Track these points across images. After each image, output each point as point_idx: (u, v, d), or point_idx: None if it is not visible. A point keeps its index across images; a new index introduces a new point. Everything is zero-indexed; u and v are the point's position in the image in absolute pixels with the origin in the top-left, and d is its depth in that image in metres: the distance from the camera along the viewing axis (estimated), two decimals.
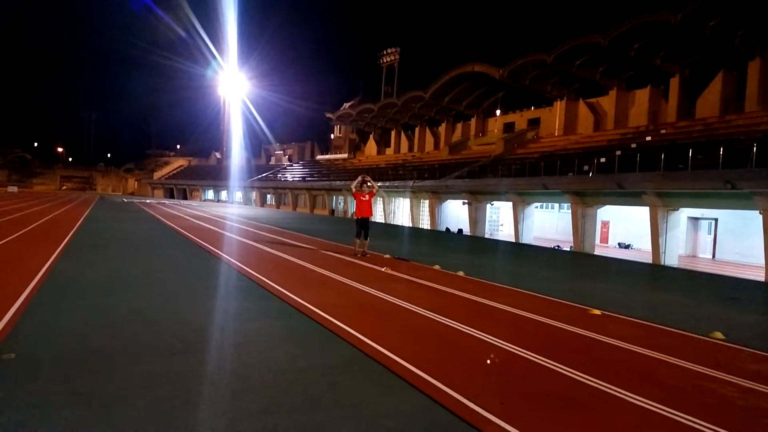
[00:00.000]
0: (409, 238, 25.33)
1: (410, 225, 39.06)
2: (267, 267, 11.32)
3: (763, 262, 17.48)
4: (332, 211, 52.35)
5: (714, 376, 5.23)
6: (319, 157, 73.44)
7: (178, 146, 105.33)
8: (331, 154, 70.43)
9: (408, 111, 52.18)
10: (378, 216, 44.91)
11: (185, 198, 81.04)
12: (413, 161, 48.85)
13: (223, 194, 77.29)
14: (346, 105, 64.41)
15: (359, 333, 5.97)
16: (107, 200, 54.96)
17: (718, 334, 6.95)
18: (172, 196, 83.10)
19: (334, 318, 6.63)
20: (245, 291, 8.45)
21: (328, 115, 66.04)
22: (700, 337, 6.91)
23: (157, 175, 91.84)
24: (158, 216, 29.97)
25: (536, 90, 39.12)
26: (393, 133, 58.96)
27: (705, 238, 25.69)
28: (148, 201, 59.65)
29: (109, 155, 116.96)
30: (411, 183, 38.64)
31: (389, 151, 59.43)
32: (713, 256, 24.61)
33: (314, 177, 60.26)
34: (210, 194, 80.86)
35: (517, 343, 5.93)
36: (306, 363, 4.97)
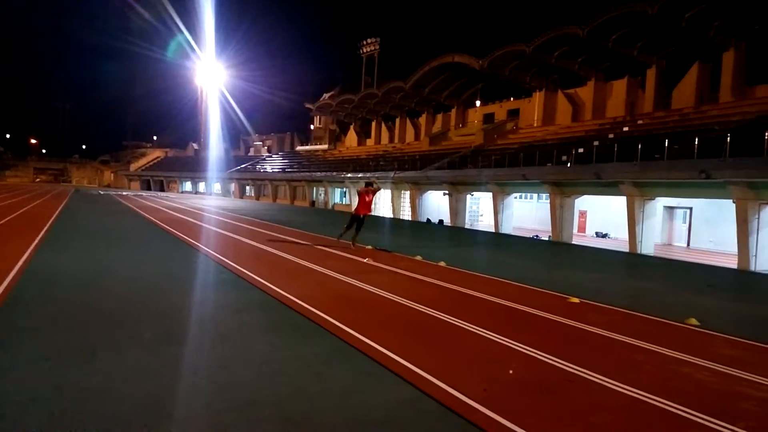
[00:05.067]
0: (391, 229, 25.39)
1: (391, 216, 39.12)
2: (248, 259, 11.27)
3: (735, 250, 17.92)
4: (313, 203, 52.16)
5: (689, 361, 5.38)
6: (299, 148, 72.92)
7: (155, 137, 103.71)
8: (311, 145, 69.98)
9: (388, 102, 52.06)
10: None
11: (162, 190, 79.93)
12: (394, 152, 48.83)
13: (201, 186, 76.42)
14: (326, 95, 63.98)
15: (343, 324, 6.00)
16: (82, 193, 53.98)
17: (694, 321, 7.13)
18: (149, 188, 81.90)
19: (316, 309, 6.64)
20: (226, 283, 8.41)
21: (308, 105, 65.56)
22: (676, 323, 7.09)
23: (133, 166, 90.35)
24: (135, 208, 29.55)
25: (516, 81, 39.30)
26: (373, 123, 58.80)
27: (680, 227, 26.18)
28: (124, 193, 58.74)
29: (84, 147, 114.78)
30: (392, 174, 38.64)
31: (370, 142, 59.29)
32: (688, 244, 25.10)
33: (294, 168, 59.91)
34: (188, 186, 79.87)
35: (499, 332, 6.02)
36: (289, 354, 4.99)
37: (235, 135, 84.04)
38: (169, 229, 17.33)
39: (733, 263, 17.56)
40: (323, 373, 4.51)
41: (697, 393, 4.47)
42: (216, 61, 74.56)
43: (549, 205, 25.95)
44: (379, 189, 15.17)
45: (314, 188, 52.44)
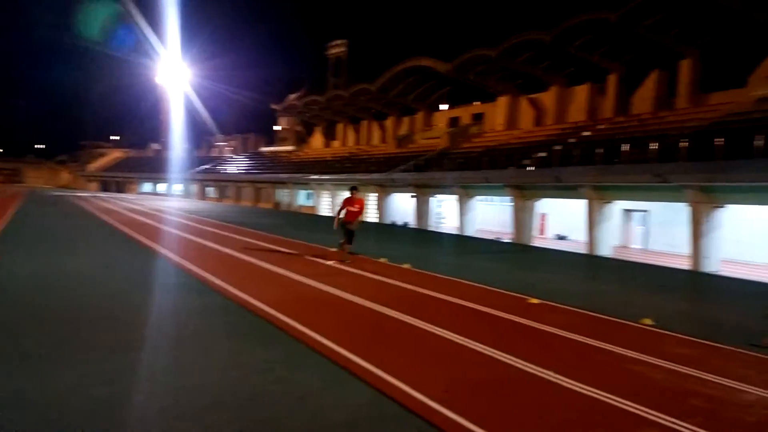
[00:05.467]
0: (356, 231, 25.32)
1: None
2: (208, 262, 11.09)
3: (689, 251, 18.57)
4: (277, 205, 51.68)
5: (643, 360, 5.55)
6: (263, 149, 72.11)
7: (115, 137, 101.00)
8: (276, 146, 69.33)
9: (355, 104, 52.05)
10: (325, 209, 44.70)
11: (120, 191, 77.91)
12: (360, 154, 48.82)
13: (162, 187, 74.80)
14: (292, 96, 63.48)
15: (304, 327, 5.97)
16: (38, 194, 52.14)
17: (648, 321, 7.35)
18: (106, 190, 79.71)
19: (278, 313, 6.59)
20: (186, 287, 8.26)
21: (274, 106, 64.94)
22: (632, 323, 7.29)
23: (91, 167, 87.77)
24: (93, 210, 28.72)
25: (481, 85, 39.82)
26: (340, 125, 58.66)
27: (637, 229, 26.97)
28: (82, 194, 57.02)
29: (40, 147, 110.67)
30: (358, 176, 38.64)
31: (336, 143, 59.11)
32: (644, 246, 25.87)
33: (258, 169, 59.23)
34: (147, 187, 78.07)
35: (461, 333, 6.09)
36: (249, 358, 4.93)
37: (197, 135, 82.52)
38: (127, 232, 16.91)
39: (686, 264, 18.18)
40: (283, 377, 4.48)
41: (650, 391, 4.61)
42: (179, 60, 73.09)
43: (511, 208, 26.38)
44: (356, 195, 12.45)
45: (279, 190, 51.97)
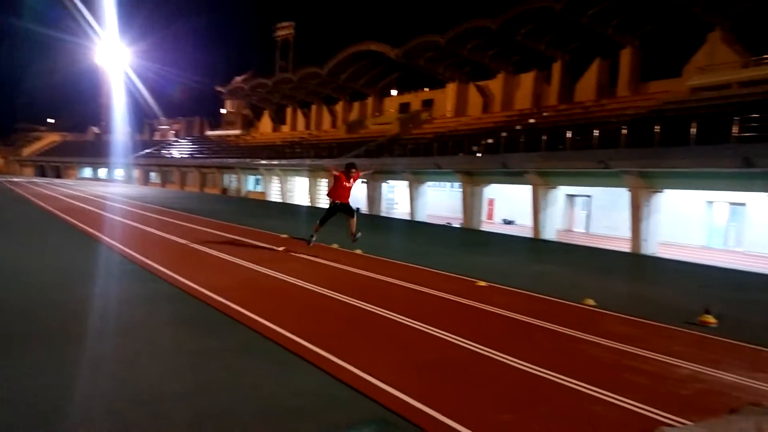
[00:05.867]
0: (308, 217, 25.13)
1: (309, 204, 38.76)
2: (154, 250, 10.75)
3: (629, 234, 19.41)
4: (224, 190, 50.58)
5: (585, 338, 5.78)
6: (209, 132, 70.15)
7: (51, 120, 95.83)
8: (223, 130, 67.59)
9: (304, 87, 51.33)
10: (275, 195, 44.06)
11: (58, 176, 74.28)
12: (310, 139, 48.31)
13: (102, 172, 71.76)
14: (239, 79, 61.89)
15: (255, 314, 5.89)
16: None
17: (590, 301, 7.64)
18: (43, 175, 75.80)
19: (228, 300, 6.47)
20: (130, 275, 7.99)
21: (219, 89, 63.16)
22: (575, 304, 7.57)
23: (26, 151, 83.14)
24: (29, 196, 27.28)
25: (430, 71, 40.04)
26: (289, 109, 57.77)
27: (580, 214, 27.95)
28: (16, 180, 54.03)
29: None
30: (308, 161, 38.25)
31: (285, 128, 58.22)
32: (587, 230, 26.86)
33: (204, 154, 57.70)
34: (87, 172, 74.74)
35: (411, 316, 6.16)
36: (198, 347, 4.83)
37: (139, 118, 79.30)
38: (66, 219, 16.16)
39: (626, 247, 18.99)
40: (233, 365, 4.41)
41: (591, 368, 4.81)
42: (118, 41, 69.86)
43: (460, 193, 26.79)
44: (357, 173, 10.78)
45: (226, 175, 50.85)
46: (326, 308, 6.52)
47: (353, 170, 10.67)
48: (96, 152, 70.84)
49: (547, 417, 3.68)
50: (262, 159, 44.36)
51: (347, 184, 10.60)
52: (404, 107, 45.21)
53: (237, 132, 64.23)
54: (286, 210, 29.35)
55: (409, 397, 3.85)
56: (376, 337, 5.42)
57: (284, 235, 13.97)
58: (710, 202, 22.20)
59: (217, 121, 72.06)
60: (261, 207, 30.41)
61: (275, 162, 42.72)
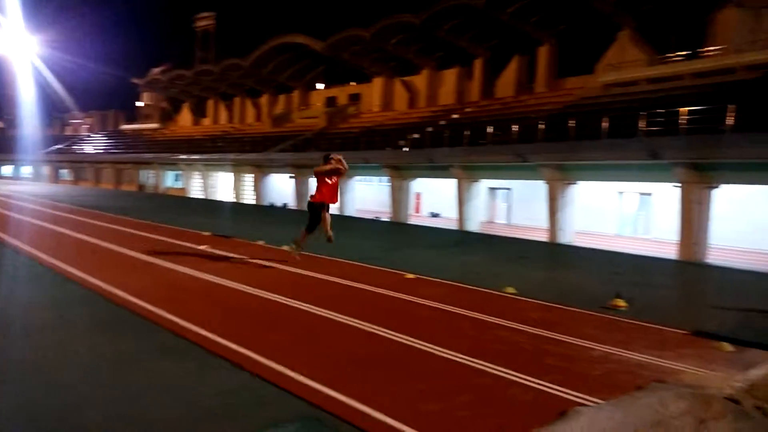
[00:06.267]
0: (232, 213, 24.52)
1: (233, 200, 37.77)
2: (65, 251, 10.11)
3: (547, 224, 20.34)
4: (141, 187, 48.33)
5: (507, 325, 5.99)
6: (124, 126, 66.71)
7: None
8: (140, 123, 64.44)
9: (226, 80, 49.85)
10: (196, 191, 42.57)
11: None
12: (234, 133, 47.04)
13: (7, 169, 66.56)
14: (156, 70, 59.22)
15: (174, 316, 5.66)
16: None
17: (511, 289, 7.93)
18: None
19: (144, 302, 6.18)
20: (39, 278, 7.47)
21: (135, 80, 60.15)
22: (497, 292, 7.83)
23: None
24: None
25: (356, 65, 40.04)
26: (210, 102, 55.93)
27: (501, 206, 28.98)
28: None
29: None
30: (232, 156, 37.24)
31: (206, 121, 56.34)
32: (508, 221, 27.88)
33: (119, 149, 54.87)
34: None
35: (341, 311, 6.14)
36: (114, 351, 4.59)
37: (49, 112, 74.14)
38: None
39: (545, 237, 19.88)
40: (152, 369, 4.23)
41: (512, 353, 4.99)
42: (24, 28, 64.72)
43: (388, 187, 27.03)
44: (339, 168, 9.32)
45: (143, 171, 48.60)
46: (250, 307, 6.38)
47: (331, 160, 9.23)
48: (0, 148, 65.55)
49: (471, 403, 3.78)
50: (182, 154, 42.73)
51: (331, 181, 9.25)
52: (331, 101, 44.98)
53: (155, 126, 61.45)
54: (209, 206, 28.45)
55: (337, 392, 3.83)
56: (302, 333, 5.37)
57: (207, 233, 13.53)
58: (621, 193, 23.65)
59: (134, 115, 68.57)
60: (181, 204, 29.30)
61: (196, 157, 41.28)
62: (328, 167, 9.22)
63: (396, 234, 18.69)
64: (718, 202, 16.55)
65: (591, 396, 3.97)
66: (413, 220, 26.21)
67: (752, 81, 19.10)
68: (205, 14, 61.16)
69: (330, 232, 9.28)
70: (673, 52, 24.48)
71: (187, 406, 3.56)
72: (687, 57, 23.53)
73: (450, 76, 35.84)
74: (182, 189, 43.63)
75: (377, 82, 39.94)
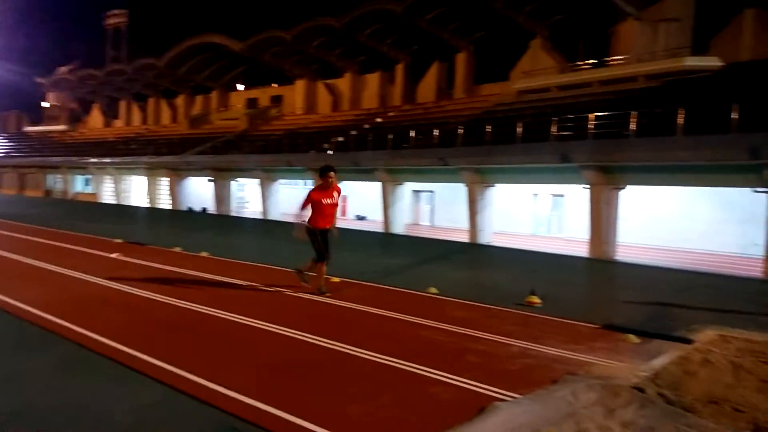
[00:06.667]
0: (146, 219, 23.43)
1: (147, 205, 36.07)
2: None
3: (468, 226, 20.95)
4: (48, 192, 45.17)
5: (429, 325, 6.09)
6: (28, 128, 62.07)
7: None
8: (45, 125, 60.18)
9: (140, 80, 47.60)
10: (108, 196, 40.30)
11: None
12: (148, 135, 44.95)
13: None
14: (64, 69, 55.53)
15: (84, 329, 5.32)
16: None
17: (433, 289, 8.08)
18: None
19: (52, 315, 5.77)
20: None
21: (40, 80, 56.12)
22: (420, 293, 7.95)
23: None
24: None
25: (278, 67, 39.49)
26: (123, 103, 53.18)
27: (425, 208, 29.52)
28: None
29: None
30: (146, 159, 35.58)
31: (119, 123, 53.51)
32: (432, 223, 28.45)
33: (23, 152, 51.01)
34: None
35: (259, 317, 6.01)
36: (14, 368, 4.25)
37: None
38: None
39: (465, 238, 20.45)
40: (58, 385, 3.95)
41: (433, 352, 5.08)
42: None
43: None
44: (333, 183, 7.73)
45: (50, 175, 45.45)
46: (163, 317, 6.11)
47: (329, 177, 7.55)
48: None
49: (393, 404, 3.82)
50: (93, 157, 40.34)
51: (326, 201, 7.61)
52: (252, 103, 44.06)
53: (62, 127, 57.58)
54: (122, 212, 27.04)
55: (257, 401, 3.75)
56: (219, 342, 5.21)
57: (118, 240, 12.84)
58: (536, 194, 24.73)
59: (38, 116, 63.85)
60: (92, 210, 27.64)
61: (107, 160, 39.12)
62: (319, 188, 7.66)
63: None
64: (625, 203, 17.68)
65: (509, 391, 4.11)
66: (340, 224, 26.07)
67: (653, 89, 20.58)
68: (117, 11, 58.09)
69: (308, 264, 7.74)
70: (582, 61, 25.93)
71: (95, 425, 3.35)
72: (595, 65, 25.00)
73: (373, 80, 36.10)
74: (93, 194, 41.13)
75: (300, 84, 39.57)
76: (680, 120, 15.73)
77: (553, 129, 18.74)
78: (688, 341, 5.57)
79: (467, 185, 20.72)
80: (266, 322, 5.87)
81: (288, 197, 33.16)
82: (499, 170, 20.06)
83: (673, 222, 19.86)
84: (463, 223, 21.60)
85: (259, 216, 28.72)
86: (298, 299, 7.25)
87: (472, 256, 15.35)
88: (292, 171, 27.85)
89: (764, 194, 14.53)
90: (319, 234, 7.61)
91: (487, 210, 20.67)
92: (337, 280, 8.65)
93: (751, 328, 6.16)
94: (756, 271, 14.14)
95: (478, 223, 20.45)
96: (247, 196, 36.66)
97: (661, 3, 22.55)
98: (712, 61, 20.65)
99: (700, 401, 4.07)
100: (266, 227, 22.16)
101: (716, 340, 5.71)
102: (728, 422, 3.73)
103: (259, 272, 9.27)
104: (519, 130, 19.53)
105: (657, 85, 20.78)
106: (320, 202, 7.54)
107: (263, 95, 43.78)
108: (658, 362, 4.90)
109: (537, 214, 25.06)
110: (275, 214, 28.33)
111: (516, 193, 23.96)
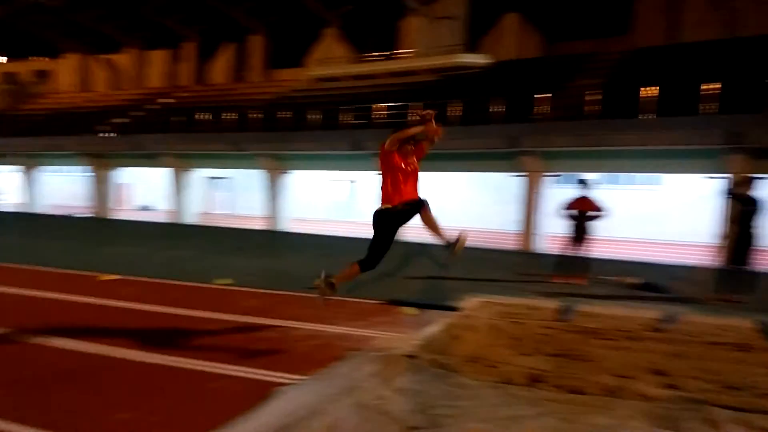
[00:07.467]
0: None
1: None
2: None
3: (266, 213, 20.72)
4: None
5: (218, 318, 5.87)
6: None
7: None
8: None
9: None
10: None
11: None
12: None
13: None
14: None
15: None
16: None
17: (225, 280, 7.82)
18: None
19: None
20: None
21: None
22: (211, 285, 7.62)
23: None
24: None
25: (44, 38, 34.34)
26: None
27: (221, 196, 28.37)
28: None
29: None
30: None
31: None
32: (230, 211, 27.47)
33: None
34: None
35: (22, 327, 5.19)
36: None
37: None
38: None
39: (264, 225, 20.23)
40: None
41: (219, 346, 4.91)
42: None
43: (89, 179, 24.08)
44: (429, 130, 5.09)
45: None
46: None
47: (427, 120, 5.03)
48: None
49: (169, 405, 3.59)
50: None
51: (407, 167, 5.17)
52: (11, 77, 37.83)
53: None
54: None
55: (13, 422, 3.22)
56: None
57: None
58: (332, 181, 25.42)
59: None
60: None
61: None
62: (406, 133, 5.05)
63: (99, 231, 16.76)
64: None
65: (296, 374, 4.13)
66: (121, 215, 23.85)
67: (433, 82, 22.41)
68: None
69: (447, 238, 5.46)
70: (372, 52, 27.16)
71: None
72: (384, 58, 26.35)
73: (159, 57, 33.37)
74: None
75: (71, 59, 34.93)
76: (456, 112, 17.45)
77: (347, 117, 19.39)
78: (456, 309, 6.24)
79: (264, 171, 20.44)
80: (23, 331, 5.08)
81: (56, 186, 29.30)
82: (295, 156, 20.15)
83: (453, 204, 22.04)
84: (262, 210, 21.32)
85: (22, 209, 24.84)
86: (61, 302, 6.44)
87: (269, 243, 15.25)
88: (62, 156, 24.54)
89: (519, 178, 16.95)
90: (395, 212, 5.15)
91: (284, 196, 20.67)
92: (110, 277, 7.86)
93: (508, 294, 7.13)
94: (514, 244, 16.49)
95: (276, 210, 20.36)
96: (4, 186, 31.39)
97: (439, 0, 24.55)
98: (481, 59, 23.15)
99: (463, 361, 4.57)
100: (28, 221, 19.25)
101: (479, 306, 6.47)
102: (485, 377, 4.25)
103: (12, 274, 8.01)
104: (314, 117, 19.80)
105: (436, 79, 22.69)
106: (400, 166, 5.14)
107: (25, 69, 37.85)
108: (430, 330, 5.39)
109: (333, 200, 25.78)
110: (41, 206, 24.83)
111: (312, 179, 24.34)
